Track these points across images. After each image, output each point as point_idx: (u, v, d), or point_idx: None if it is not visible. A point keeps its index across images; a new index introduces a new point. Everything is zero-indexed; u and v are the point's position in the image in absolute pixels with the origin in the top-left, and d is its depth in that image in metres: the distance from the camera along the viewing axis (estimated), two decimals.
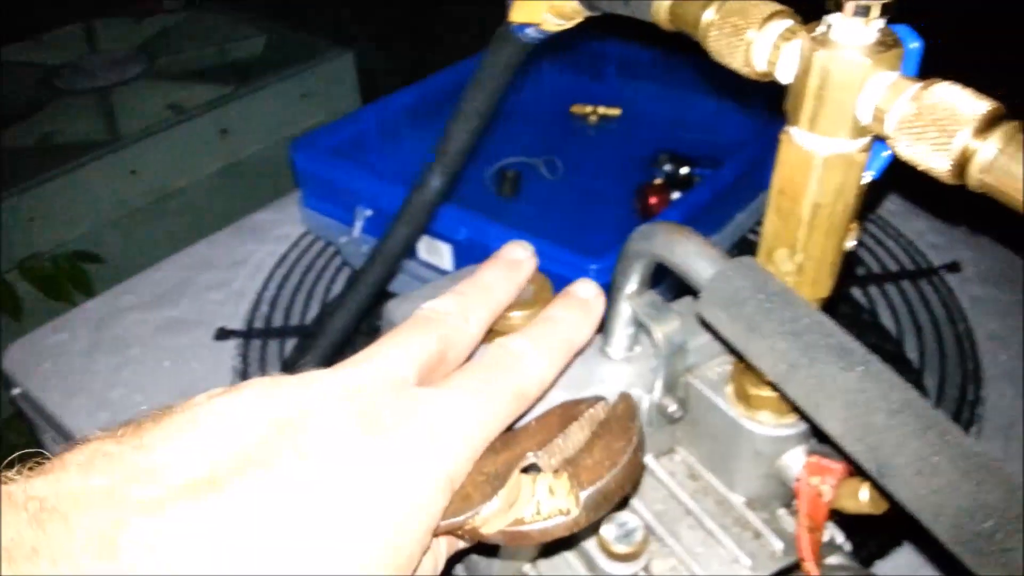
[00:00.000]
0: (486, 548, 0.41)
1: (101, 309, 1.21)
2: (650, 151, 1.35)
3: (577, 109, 1.53)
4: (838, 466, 0.39)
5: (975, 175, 0.28)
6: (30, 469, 0.26)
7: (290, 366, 1.08)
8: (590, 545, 0.41)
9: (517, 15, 0.53)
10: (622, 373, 0.43)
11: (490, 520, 0.33)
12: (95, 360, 1.12)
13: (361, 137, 1.32)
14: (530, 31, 0.54)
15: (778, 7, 0.35)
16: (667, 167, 1.31)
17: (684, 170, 1.31)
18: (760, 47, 0.34)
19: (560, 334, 0.37)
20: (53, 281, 1.64)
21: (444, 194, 0.66)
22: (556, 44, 0.57)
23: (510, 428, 0.35)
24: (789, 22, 0.34)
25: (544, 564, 0.44)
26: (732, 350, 0.37)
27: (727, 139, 1.34)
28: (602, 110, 1.52)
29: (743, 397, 0.41)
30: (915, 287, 1.17)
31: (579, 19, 0.51)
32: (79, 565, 0.24)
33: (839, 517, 0.41)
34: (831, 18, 0.31)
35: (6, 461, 0.27)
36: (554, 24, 0.52)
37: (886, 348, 1.09)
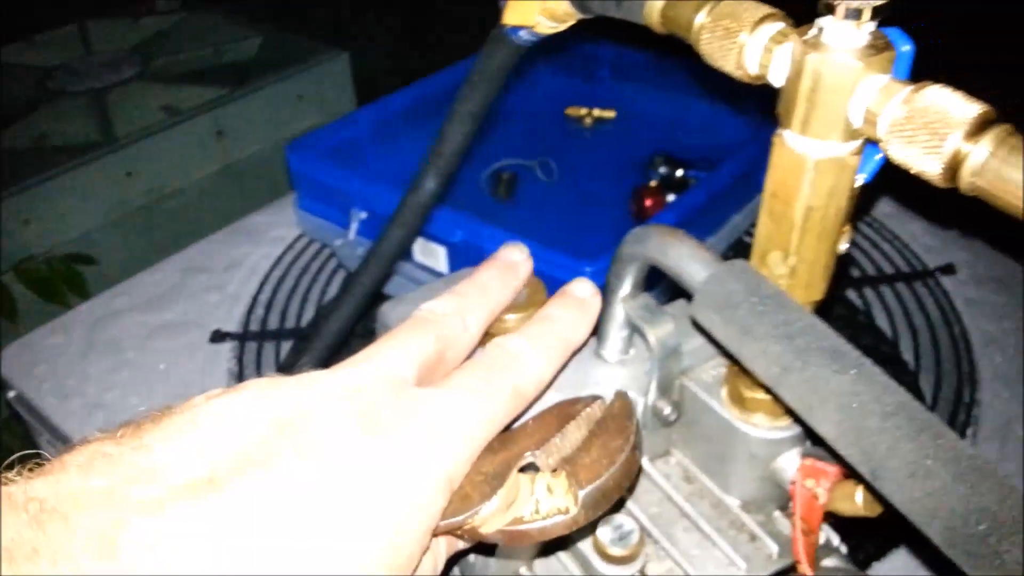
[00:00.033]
0: (483, 548, 0.41)
1: (96, 311, 1.21)
2: (645, 153, 1.35)
3: (572, 111, 1.53)
4: (833, 469, 0.39)
5: (967, 178, 0.28)
6: (30, 470, 0.26)
7: (286, 369, 1.07)
8: (586, 547, 0.41)
9: (510, 18, 0.53)
10: (617, 376, 0.43)
11: (489, 520, 0.33)
12: (90, 363, 1.12)
13: (356, 139, 1.32)
14: (523, 34, 0.54)
15: (770, 10, 0.35)
16: (662, 169, 1.32)
17: (679, 172, 1.31)
18: (752, 50, 0.34)
19: (557, 333, 0.37)
20: (48, 283, 1.64)
21: (439, 196, 0.66)
22: (551, 46, 0.57)
23: (508, 428, 0.35)
24: (780, 25, 0.34)
25: (540, 565, 0.44)
26: (726, 353, 0.37)
27: (722, 141, 1.34)
28: (597, 112, 1.52)
29: (738, 400, 0.41)
30: (910, 289, 1.18)
31: (572, 22, 0.51)
32: (79, 565, 0.24)
33: (835, 519, 0.41)
34: (823, 21, 0.31)
35: (6, 463, 0.27)
36: (547, 27, 0.52)
37: (882, 350, 1.09)
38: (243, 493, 0.27)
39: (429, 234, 1.09)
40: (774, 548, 0.41)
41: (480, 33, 0.59)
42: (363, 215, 1.16)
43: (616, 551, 0.40)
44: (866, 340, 1.10)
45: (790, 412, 0.36)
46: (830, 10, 0.30)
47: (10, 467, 0.26)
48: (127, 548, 0.24)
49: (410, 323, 0.35)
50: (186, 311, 1.20)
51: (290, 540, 0.27)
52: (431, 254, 1.12)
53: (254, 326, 1.16)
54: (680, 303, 0.44)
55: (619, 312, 0.42)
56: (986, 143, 0.28)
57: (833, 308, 1.15)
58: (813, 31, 0.32)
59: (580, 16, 0.49)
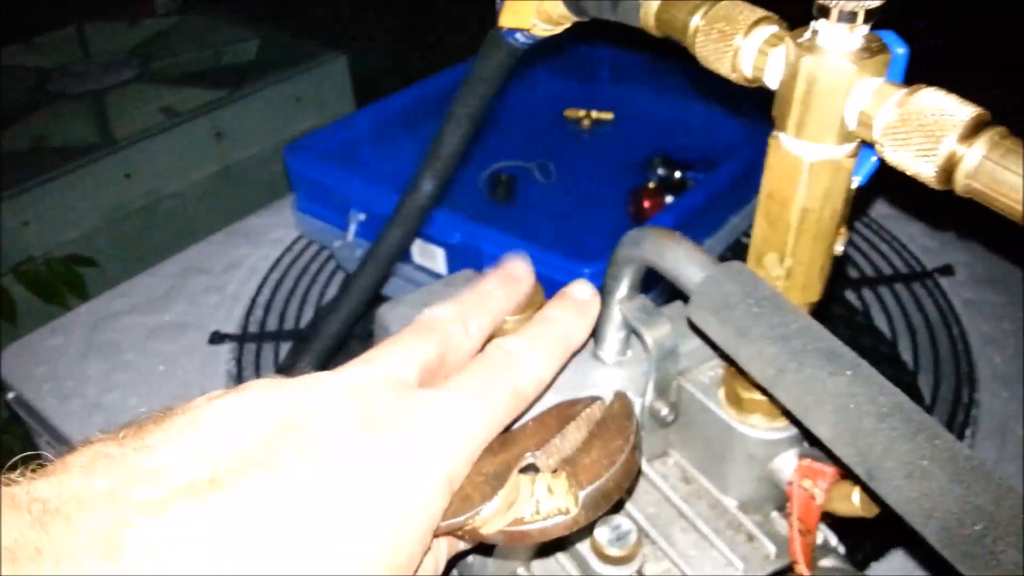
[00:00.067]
0: (481, 548, 0.42)
1: (95, 313, 1.21)
2: (643, 155, 1.35)
3: (570, 113, 1.53)
4: (830, 469, 0.39)
5: (961, 180, 0.29)
6: (32, 471, 0.26)
7: (285, 370, 1.07)
8: (583, 548, 0.41)
9: (506, 20, 0.53)
10: (614, 377, 0.43)
11: (490, 520, 0.33)
12: (89, 364, 1.12)
13: (355, 141, 1.32)
14: (519, 36, 0.54)
15: (764, 13, 0.35)
16: (660, 171, 1.31)
17: (677, 174, 1.31)
18: (746, 53, 0.35)
19: (557, 334, 0.37)
20: (48, 285, 1.64)
21: (436, 198, 0.66)
22: (549, 48, 0.57)
23: (508, 429, 0.35)
24: (775, 28, 0.34)
25: (537, 566, 0.45)
26: (722, 354, 0.37)
27: (720, 142, 1.34)
28: (595, 114, 1.52)
29: (735, 400, 0.41)
30: (909, 290, 1.18)
31: (567, 24, 0.51)
32: (82, 566, 0.24)
33: (833, 520, 0.41)
34: (817, 24, 0.31)
35: (8, 464, 0.27)
36: (542, 29, 0.52)
37: (881, 350, 1.09)
38: (244, 494, 0.27)
39: (428, 236, 1.09)
40: (771, 548, 0.41)
41: (480, 34, 0.59)
42: (361, 216, 1.16)
43: (614, 551, 0.40)
44: (865, 341, 1.10)
45: (786, 413, 0.36)
46: (824, 13, 0.30)
47: (12, 468, 0.26)
48: (129, 549, 0.25)
49: (412, 328, 0.35)
50: (185, 312, 1.20)
51: (291, 540, 0.27)
52: (430, 256, 1.12)
53: (253, 327, 1.16)
54: (677, 305, 0.45)
55: (616, 314, 0.42)
56: (980, 145, 0.28)
57: (832, 309, 1.15)
58: (807, 34, 0.32)
59: (576, 19, 0.49)
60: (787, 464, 0.41)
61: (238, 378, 1.08)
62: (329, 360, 0.76)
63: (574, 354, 0.39)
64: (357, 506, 0.28)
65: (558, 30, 0.52)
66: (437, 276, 1.13)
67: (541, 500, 0.34)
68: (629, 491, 0.44)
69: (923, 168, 0.29)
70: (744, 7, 0.35)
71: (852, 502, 0.39)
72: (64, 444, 1.02)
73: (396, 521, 0.29)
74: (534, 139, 1.48)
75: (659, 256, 0.38)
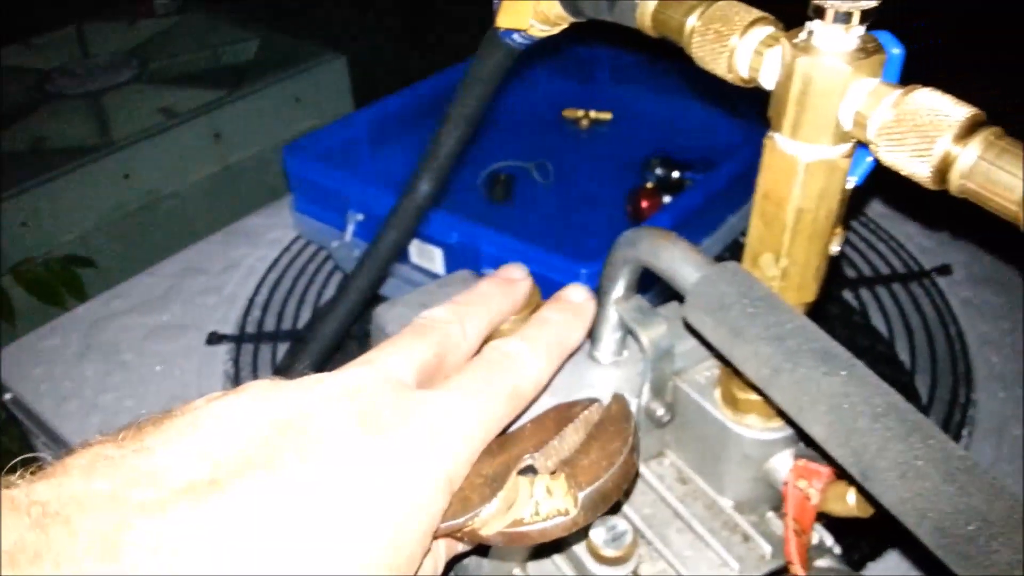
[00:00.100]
0: (477, 549, 0.42)
1: (92, 314, 1.21)
2: (641, 155, 1.35)
3: (569, 113, 1.53)
4: (825, 470, 0.39)
5: (956, 180, 0.29)
6: (32, 474, 0.26)
7: (282, 371, 1.07)
8: (579, 548, 0.41)
9: (503, 21, 0.53)
10: (610, 377, 0.43)
11: (489, 522, 0.33)
12: (86, 365, 1.12)
13: (353, 142, 1.32)
14: (516, 37, 0.54)
15: (760, 14, 0.35)
16: (658, 171, 1.32)
17: (675, 174, 1.31)
18: (742, 54, 0.35)
19: (553, 335, 0.38)
20: (46, 286, 1.64)
21: (434, 198, 0.66)
22: (548, 49, 0.57)
23: (506, 431, 0.35)
24: (770, 29, 0.34)
25: (533, 567, 0.45)
26: (718, 355, 0.37)
27: (719, 143, 1.34)
28: (593, 114, 1.52)
29: (730, 401, 0.41)
30: (906, 290, 1.18)
31: (564, 25, 0.51)
32: (82, 567, 0.24)
33: (830, 520, 0.41)
34: (812, 25, 0.31)
35: (8, 466, 0.27)
36: (540, 30, 0.52)
37: (878, 350, 1.09)
38: (244, 494, 0.27)
39: (426, 236, 1.09)
40: (767, 549, 0.41)
41: (480, 34, 0.59)
42: (359, 217, 1.16)
43: (609, 552, 0.40)
44: (862, 341, 1.10)
45: (781, 413, 0.37)
46: (820, 14, 0.30)
47: (12, 470, 0.26)
48: (129, 550, 0.25)
49: (410, 329, 0.35)
50: (183, 313, 1.20)
51: (291, 541, 0.27)
52: (428, 256, 1.12)
53: (251, 328, 1.16)
54: (673, 305, 0.45)
55: (612, 314, 0.42)
56: (975, 146, 0.28)
57: (829, 309, 1.15)
58: (803, 35, 0.32)
59: (572, 19, 0.49)
60: (783, 464, 0.41)
61: (235, 379, 1.08)
62: (327, 361, 0.76)
63: (570, 356, 0.39)
64: (357, 506, 0.28)
65: (555, 31, 0.52)
66: (435, 276, 1.13)
67: (540, 501, 0.34)
68: (627, 493, 0.44)
69: (918, 168, 0.29)
70: (740, 8, 0.35)
71: (847, 502, 0.39)
72: (61, 445, 1.02)
73: (396, 521, 0.29)
74: (532, 139, 1.48)
75: (655, 256, 0.38)
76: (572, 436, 0.37)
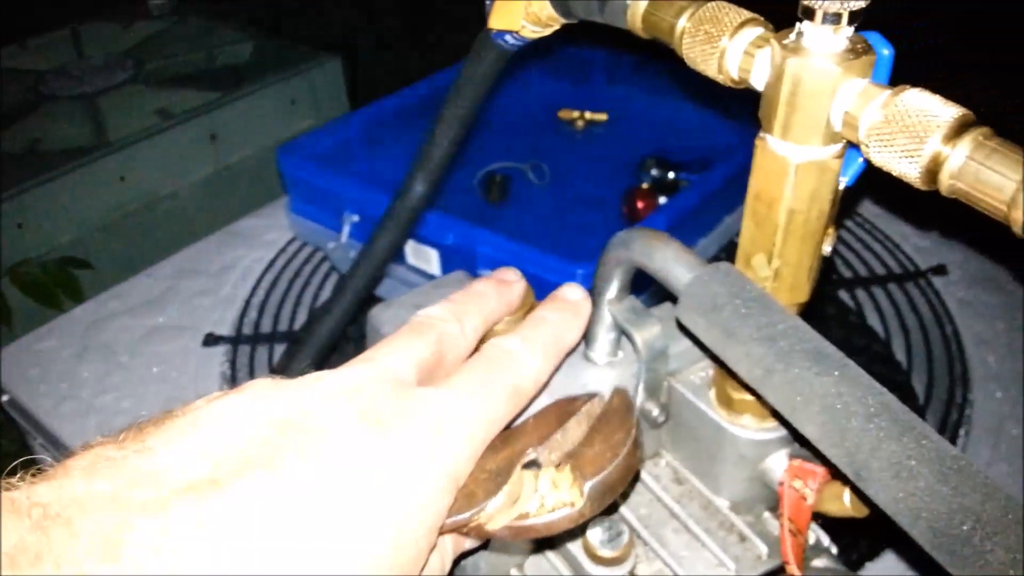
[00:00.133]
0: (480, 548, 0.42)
1: (89, 315, 1.21)
2: (637, 156, 1.35)
3: (564, 114, 1.53)
4: (820, 469, 0.39)
5: (946, 181, 0.29)
6: (32, 476, 0.26)
7: (278, 372, 1.07)
8: (576, 549, 0.41)
9: (495, 22, 0.53)
10: (605, 378, 0.43)
11: (495, 516, 0.33)
12: (83, 366, 1.12)
13: (348, 143, 1.32)
14: (509, 38, 0.54)
15: (750, 15, 0.35)
16: (654, 172, 1.32)
17: (671, 175, 1.31)
18: (732, 55, 0.35)
19: (551, 333, 0.38)
20: (43, 287, 1.63)
21: (428, 199, 0.66)
22: (543, 50, 0.57)
23: (508, 427, 0.35)
24: (760, 30, 0.35)
25: (531, 567, 0.45)
26: (711, 355, 0.37)
27: (714, 143, 1.34)
28: (589, 115, 1.52)
29: (725, 401, 0.41)
30: (902, 290, 1.18)
31: (556, 26, 0.51)
32: (83, 568, 0.24)
33: (828, 519, 0.41)
34: (802, 26, 0.31)
35: (8, 468, 0.27)
36: (531, 31, 0.52)
37: (874, 350, 1.09)
38: (245, 494, 0.27)
39: (421, 237, 1.09)
40: (763, 549, 0.42)
41: (479, 34, 0.59)
42: (355, 218, 1.16)
43: (606, 552, 0.40)
44: (859, 341, 1.10)
45: (775, 413, 0.37)
46: (809, 15, 0.30)
47: (12, 473, 0.26)
48: (130, 550, 0.25)
49: (408, 328, 0.35)
50: (179, 315, 1.20)
51: (292, 541, 0.27)
52: (424, 257, 1.12)
53: (247, 329, 1.16)
54: (667, 306, 0.45)
55: (606, 315, 0.42)
56: (964, 146, 0.28)
57: (825, 309, 1.15)
58: (793, 36, 0.32)
59: (564, 20, 0.49)
60: (778, 464, 0.41)
61: (232, 380, 1.08)
62: (323, 362, 0.76)
63: (567, 355, 0.39)
64: (358, 505, 0.28)
65: (547, 32, 0.52)
66: (431, 277, 1.13)
67: (546, 494, 0.34)
68: (624, 495, 0.44)
69: (908, 169, 0.29)
70: (730, 9, 0.35)
71: (843, 502, 0.39)
72: (59, 447, 1.02)
73: (398, 520, 0.29)
74: (528, 140, 1.48)
75: (648, 257, 0.38)
76: (575, 429, 0.37)
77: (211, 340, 1.14)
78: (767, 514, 0.43)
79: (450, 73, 1.38)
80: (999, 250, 1.19)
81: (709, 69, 0.36)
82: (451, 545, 0.36)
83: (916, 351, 1.08)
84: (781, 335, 0.32)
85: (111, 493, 0.26)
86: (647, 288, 0.88)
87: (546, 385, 0.38)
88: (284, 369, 1.03)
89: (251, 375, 1.09)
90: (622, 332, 0.42)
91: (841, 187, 0.34)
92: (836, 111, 0.31)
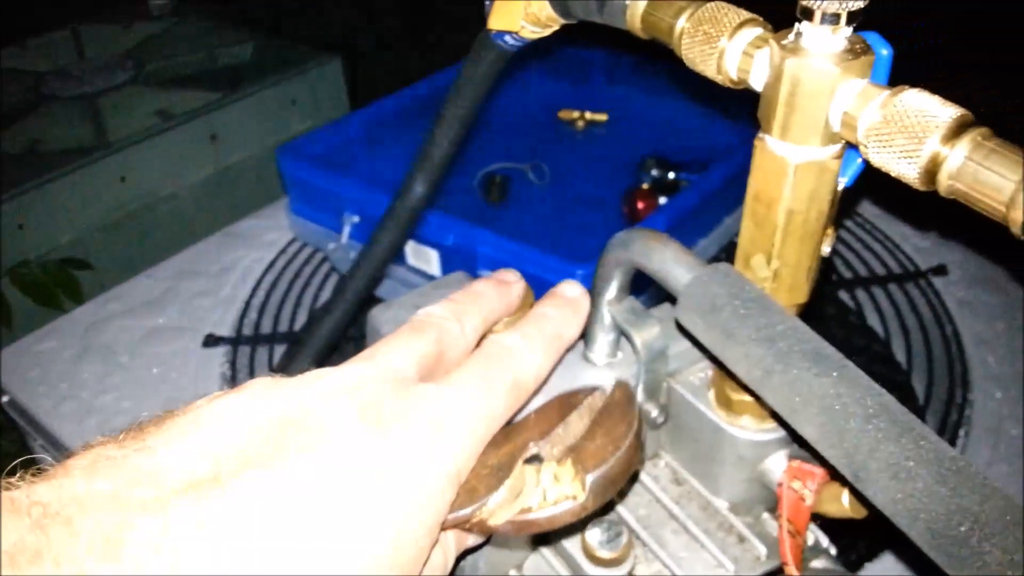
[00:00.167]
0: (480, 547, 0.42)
1: (89, 316, 1.21)
2: (637, 156, 1.35)
3: (564, 115, 1.53)
4: (819, 470, 0.39)
5: (945, 181, 0.29)
6: (33, 476, 0.26)
7: (279, 372, 1.07)
8: (574, 550, 0.41)
9: (494, 23, 0.53)
10: (605, 379, 0.43)
11: (497, 511, 0.33)
12: (83, 367, 1.12)
13: (348, 143, 1.32)
14: (508, 38, 0.54)
15: (749, 15, 0.35)
16: (654, 172, 1.32)
17: (671, 175, 1.31)
18: (731, 55, 0.35)
19: (550, 328, 0.38)
20: (43, 288, 1.63)
21: (428, 200, 0.66)
22: (543, 50, 0.57)
23: (509, 423, 0.35)
24: (759, 30, 0.34)
25: (529, 568, 0.45)
26: (710, 356, 0.37)
27: (714, 143, 1.34)
28: (589, 115, 1.52)
29: (724, 402, 0.41)
30: (902, 290, 1.18)
31: (555, 27, 0.51)
32: (83, 567, 0.24)
33: (828, 520, 0.41)
34: (801, 26, 0.31)
35: (8, 468, 0.27)
36: (531, 32, 0.52)
37: (874, 350, 1.09)
38: (246, 492, 0.27)
39: (422, 238, 1.09)
40: (762, 550, 0.41)
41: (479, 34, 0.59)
42: (355, 219, 1.16)
43: (605, 553, 0.40)
44: (858, 341, 1.10)
45: (773, 415, 0.37)
46: (807, 15, 0.30)
47: (12, 472, 0.26)
48: (131, 549, 0.24)
49: (408, 326, 0.35)
50: (179, 316, 1.20)
51: (293, 540, 0.27)
52: (424, 258, 1.12)
53: (247, 330, 1.16)
54: (666, 306, 0.45)
55: (606, 315, 0.42)
56: (963, 146, 0.28)
57: (825, 309, 1.15)
58: (791, 36, 0.32)
59: (563, 21, 0.49)
60: (777, 465, 0.41)
61: (232, 381, 1.08)
62: (323, 363, 0.76)
63: (567, 351, 0.39)
64: (361, 501, 0.28)
65: (546, 32, 0.52)
66: (431, 278, 1.13)
67: (548, 488, 0.34)
68: (622, 494, 0.44)
69: (906, 169, 0.29)
70: (729, 9, 0.35)
71: (841, 503, 0.39)
72: (58, 447, 1.02)
73: (399, 519, 0.29)
74: (528, 140, 1.48)
75: (647, 258, 0.38)
76: (576, 423, 0.37)
77: (211, 341, 1.14)
78: (766, 515, 0.43)
79: (450, 73, 1.38)
80: (999, 250, 1.19)
81: (708, 69, 0.36)
82: (454, 541, 0.36)
83: (916, 351, 1.08)
84: (780, 336, 0.32)
85: (111, 492, 0.26)
86: (646, 289, 0.89)
87: (545, 382, 0.38)
88: (284, 370, 1.03)
89: (251, 376, 1.09)
90: (621, 333, 0.42)
91: (840, 187, 0.34)
92: (835, 111, 0.31)
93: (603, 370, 0.43)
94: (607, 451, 0.34)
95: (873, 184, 0.33)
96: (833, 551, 0.44)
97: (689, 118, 1.43)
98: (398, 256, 1.14)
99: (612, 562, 0.40)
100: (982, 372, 1.05)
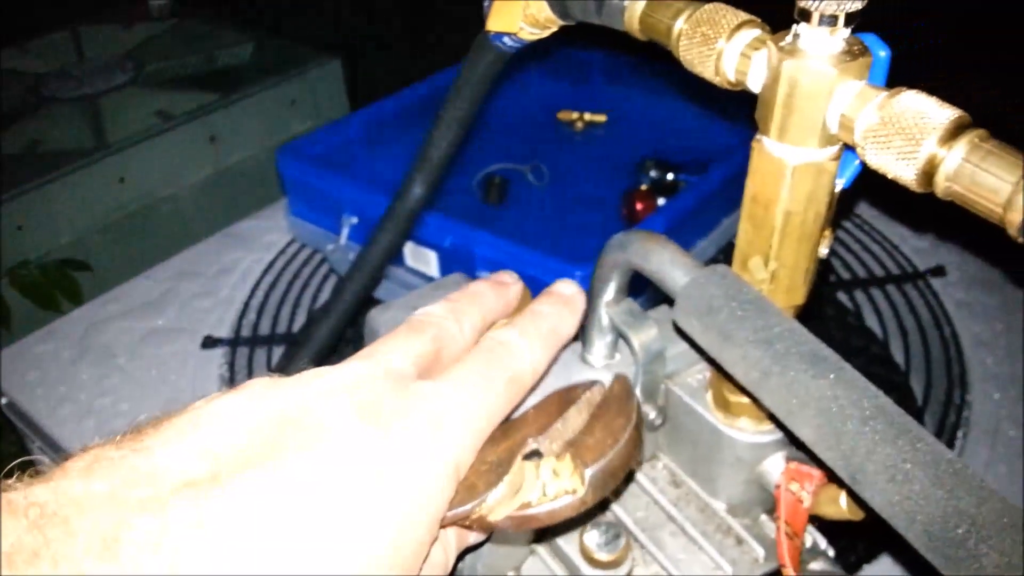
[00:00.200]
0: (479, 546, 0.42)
1: (87, 318, 1.21)
2: (636, 157, 1.35)
3: (563, 116, 1.53)
4: (817, 472, 0.39)
5: (942, 183, 0.29)
6: (31, 477, 0.26)
7: (277, 374, 1.07)
8: (573, 552, 0.41)
9: (493, 24, 0.53)
10: (603, 380, 0.43)
11: (496, 507, 0.33)
12: (81, 369, 1.12)
13: (347, 144, 1.32)
14: (507, 40, 0.54)
15: (747, 17, 0.35)
16: (653, 173, 1.32)
17: (670, 176, 1.31)
18: (729, 57, 0.35)
19: (547, 325, 0.38)
20: (42, 289, 1.63)
21: (426, 202, 0.66)
22: (542, 51, 0.57)
23: (508, 418, 0.35)
24: (757, 32, 0.34)
25: (527, 569, 0.45)
26: (707, 358, 0.37)
27: (713, 145, 1.34)
28: (588, 117, 1.52)
29: (722, 404, 0.41)
30: (900, 291, 1.18)
31: (554, 28, 0.51)
32: (81, 567, 0.24)
33: (826, 522, 0.41)
34: (798, 28, 0.31)
35: (6, 470, 0.27)
36: (530, 33, 0.52)
37: (872, 351, 1.09)
38: (244, 491, 0.27)
39: (420, 239, 1.09)
40: (760, 552, 0.41)
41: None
42: (354, 220, 1.16)
43: (603, 556, 0.40)
44: (857, 342, 1.10)
45: (771, 416, 0.36)
46: (805, 17, 0.30)
47: (9, 474, 0.26)
48: (129, 549, 0.24)
49: (406, 325, 0.36)
50: (178, 317, 1.20)
51: (292, 540, 0.27)
52: (423, 259, 1.12)
53: (246, 332, 1.16)
54: (664, 308, 0.45)
55: (603, 317, 0.42)
56: (960, 148, 0.28)
57: (824, 310, 1.15)
58: (789, 38, 0.32)
59: (562, 22, 0.49)
60: (775, 467, 0.41)
61: (231, 383, 1.08)
62: (321, 364, 0.76)
63: (563, 348, 0.39)
64: (358, 504, 0.28)
65: (545, 34, 0.52)
66: (430, 279, 1.13)
67: (547, 483, 0.34)
68: (616, 493, 0.44)
69: (903, 171, 0.29)
70: (727, 11, 0.35)
71: (839, 505, 0.39)
72: (57, 449, 1.02)
73: (398, 518, 0.29)
74: (527, 142, 1.48)
75: (644, 259, 0.38)
76: (575, 418, 0.37)
77: (210, 342, 1.14)
78: (764, 517, 0.43)
79: (450, 74, 1.38)
80: (997, 252, 1.19)
81: (706, 71, 0.36)
82: (454, 539, 0.36)
83: (914, 352, 1.08)
84: (777, 338, 0.32)
85: (109, 492, 0.26)
86: (644, 291, 0.88)
87: (543, 380, 0.38)
88: (283, 371, 1.03)
89: (249, 377, 1.08)
90: (619, 335, 0.42)
91: (838, 189, 0.34)
92: (832, 113, 0.31)
93: (601, 372, 0.43)
94: (606, 445, 0.34)
95: (871, 185, 0.33)
96: (831, 553, 0.43)
97: (688, 119, 1.44)
98: (397, 257, 1.14)
99: (610, 564, 0.40)
100: (980, 373, 1.05)
